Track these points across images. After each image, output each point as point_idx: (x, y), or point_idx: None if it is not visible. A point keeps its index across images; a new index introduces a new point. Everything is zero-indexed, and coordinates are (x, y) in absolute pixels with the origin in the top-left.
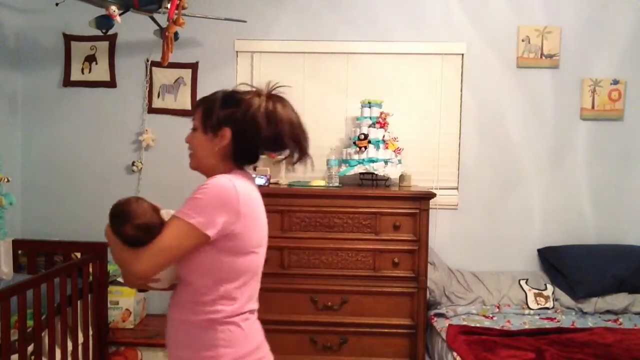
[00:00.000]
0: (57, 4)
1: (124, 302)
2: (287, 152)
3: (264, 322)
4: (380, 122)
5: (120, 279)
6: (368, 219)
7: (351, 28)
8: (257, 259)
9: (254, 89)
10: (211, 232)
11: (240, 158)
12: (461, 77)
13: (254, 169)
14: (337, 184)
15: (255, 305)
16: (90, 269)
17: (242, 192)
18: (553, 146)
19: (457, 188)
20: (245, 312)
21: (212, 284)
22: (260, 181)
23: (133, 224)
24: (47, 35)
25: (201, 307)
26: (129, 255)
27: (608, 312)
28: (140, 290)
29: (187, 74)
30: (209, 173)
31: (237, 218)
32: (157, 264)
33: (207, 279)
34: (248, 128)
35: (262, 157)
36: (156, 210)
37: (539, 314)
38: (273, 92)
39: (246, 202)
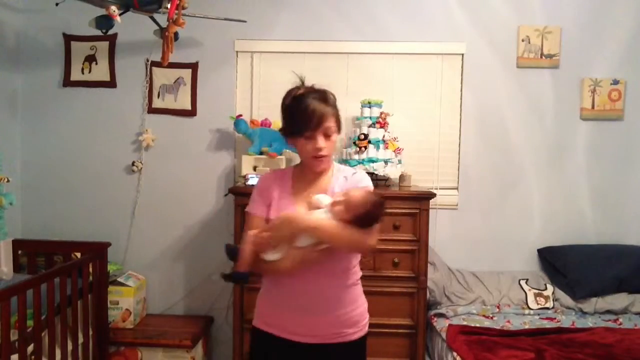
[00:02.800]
0: (57, 4)
1: (124, 302)
2: None
3: None
4: (380, 122)
5: (120, 279)
6: None
7: (351, 28)
8: None
9: (321, 88)
10: None
11: None
12: (461, 77)
13: (254, 168)
14: None
15: None
16: (90, 269)
17: None
18: (553, 146)
19: (457, 188)
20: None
21: (354, 256)
22: None
23: (383, 213)
24: (47, 35)
25: (349, 273)
26: (362, 235)
27: (608, 312)
28: (232, 280)
29: (187, 74)
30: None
31: None
32: (377, 238)
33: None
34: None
35: (263, 156)
36: None
37: (539, 314)
38: None
39: None
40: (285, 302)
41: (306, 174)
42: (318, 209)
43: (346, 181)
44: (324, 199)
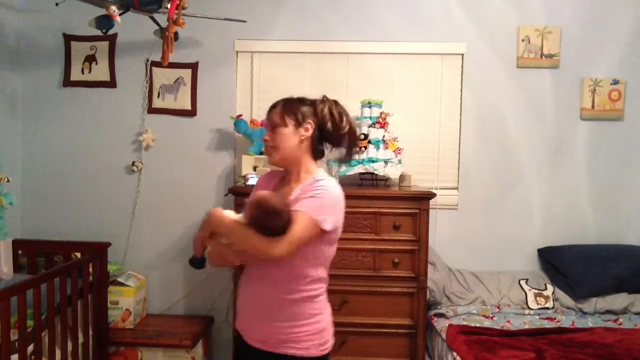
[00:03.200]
0: (57, 4)
1: (124, 302)
2: (337, 150)
3: None
4: (380, 122)
5: (120, 279)
6: (368, 219)
7: (351, 28)
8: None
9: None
10: (328, 227)
11: (319, 151)
12: (461, 77)
13: (254, 168)
14: None
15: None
16: (90, 269)
17: (342, 194)
18: (553, 146)
19: (457, 188)
20: (325, 288)
21: (312, 267)
22: None
23: (284, 219)
24: (47, 35)
25: (301, 287)
26: (265, 242)
27: (608, 312)
28: (196, 266)
29: (187, 74)
30: (292, 164)
31: (340, 216)
32: (291, 251)
33: (309, 264)
34: (327, 122)
35: (263, 156)
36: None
37: (539, 314)
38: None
39: (343, 202)
40: (243, 304)
41: (289, 176)
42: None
43: (304, 188)
44: (230, 214)
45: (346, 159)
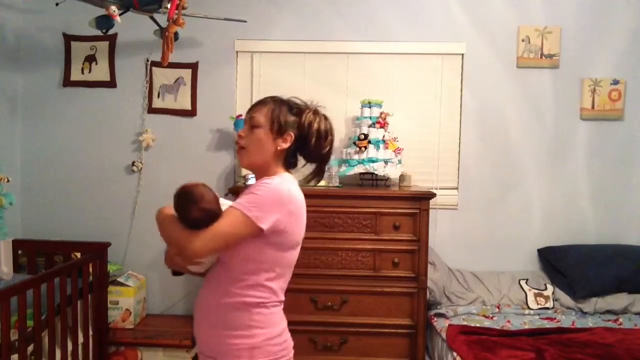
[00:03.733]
0: (57, 4)
1: (124, 302)
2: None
3: None
4: (380, 122)
5: (120, 279)
6: (368, 219)
7: (351, 28)
8: (294, 255)
9: (302, 103)
10: (264, 226)
11: (291, 162)
12: (461, 77)
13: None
14: (337, 184)
15: (283, 297)
16: (90, 269)
17: (294, 194)
18: (553, 146)
19: (457, 188)
20: (274, 301)
21: (252, 272)
22: None
23: (200, 206)
24: (47, 35)
25: (237, 291)
26: (185, 235)
27: (608, 312)
28: (174, 273)
29: (187, 74)
30: (260, 171)
31: (288, 217)
32: (211, 247)
33: (248, 267)
34: (311, 138)
35: None
36: (217, 199)
37: (539, 314)
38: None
39: (296, 203)
40: (194, 310)
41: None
42: None
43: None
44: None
45: (313, 178)
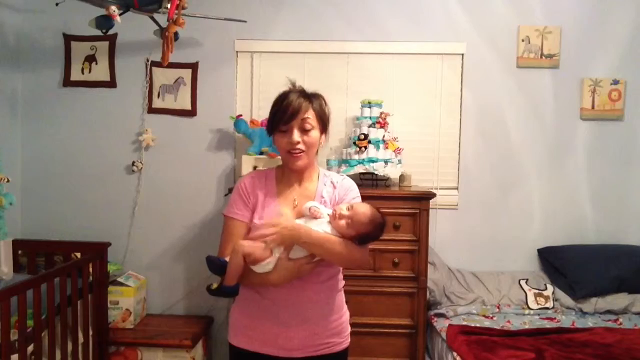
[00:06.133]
0: (57, 4)
1: (124, 302)
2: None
3: None
4: (380, 122)
5: (120, 279)
6: None
7: (351, 28)
8: None
9: (302, 88)
10: None
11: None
12: (461, 77)
13: (254, 168)
14: None
15: None
16: (90, 269)
17: None
18: (553, 146)
19: (457, 188)
20: None
21: None
22: None
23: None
24: (47, 35)
25: (338, 280)
26: (361, 251)
27: (608, 312)
28: (214, 293)
29: (187, 74)
30: (305, 168)
31: None
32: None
33: None
34: (327, 129)
35: (263, 156)
36: None
37: (539, 314)
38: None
39: None
40: (269, 313)
41: (289, 176)
42: (315, 219)
43: (334, 188)
44: (323, 209)
45: None
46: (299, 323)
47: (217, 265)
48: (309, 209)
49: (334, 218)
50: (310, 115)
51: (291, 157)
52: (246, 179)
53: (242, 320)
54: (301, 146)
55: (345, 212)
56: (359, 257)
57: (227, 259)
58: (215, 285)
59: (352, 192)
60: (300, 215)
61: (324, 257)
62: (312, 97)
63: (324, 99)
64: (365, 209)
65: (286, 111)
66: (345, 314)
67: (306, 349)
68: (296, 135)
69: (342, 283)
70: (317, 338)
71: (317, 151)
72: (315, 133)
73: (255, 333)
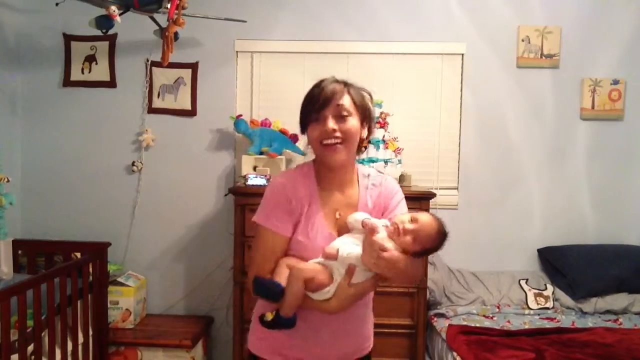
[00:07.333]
0: (57, 4)
1: (124, 302)
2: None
3: None
4: (380, 122)
5: (120, 279)
6: None
7: (351, 28)
8: None
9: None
10: None
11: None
12: (461, 77)
13: (254, 168)
14: None
15: None
16: (90, 269)
17: None
18: (553, 146)
19: (457, 188)
20: None
21: None
22: (261, 181)
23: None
24: (47, 35)
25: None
26: (421, 266)
27: (608, 312)
28: (271, 326)
29: (187, 74)
30: (344, 167)
31: None
32: None
33: None
34: (371, 124)
35: (263, 156)
36: None
37: (539, 314)
38: None
39: None
40: (314, 331)
41: (328, 179)
42: (377, 234)
43: (378, 191)
44: (379, 222)
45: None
46: (338, 339)
47: (271, 291)
48: (362, 222)
49: (398, 234)
50: (347, 102)
51: (326, 150)
52: (287, 181)
53: (279, 339)
54: (338, 134)
55: (410, 227)
56: (419, 274)
57: (280, 282)
58: (270, 316)
59: (398, 194)
60: (343, 229)
61: (399, 278)
62: (349, 84)
63: (369, 92)
64: (431, 221)
65: (318, 98)
66: (372, 319)
67: (357, 352)
68: (331, 123)
69: (370, 296)
70: (353, 346)
71: (359, 147)
72: (353, 121)
73: (292, 352)
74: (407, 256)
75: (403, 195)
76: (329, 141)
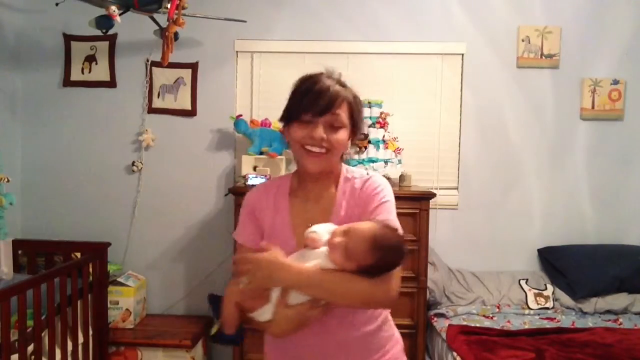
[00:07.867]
0: (57, 4)
1: (124, 302)
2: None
3: None
4: (380, 122)
5: (120, 279)
6: None
7: (351, 28)
8: None
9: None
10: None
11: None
12: (461, 77)
13: (254, 168)
14: None
15: None
16: (90, 269)
17: None
18: (553, 146)
19: (457, 188)
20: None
21: None
22: (261, 181)
23: (403, 255)
24: (47, 35)
25: (374, 315)
26: (380, 282)
27: (608, 312)
28: (222, 341)
29: (187, 74)
30: (325, 175)
31: None
32: (400, 278)
33: None
34: (355, 137)
35: (263, 156)
36: None
37: (539, 314)
38: None
39: None
40: (303, 354)
41: (305, 187)
42: (315, 249)
43: (355, 195)
44: (324, 234)
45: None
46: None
47: (215, 306)
48: (307, 235)
49: (331, 250)
50: (343, 114)
51: (307, 155)
52: (253, 193)
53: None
54: (324, 144)
55: (337, 240)
56: (369, 294)
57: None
58: (214, 330)
59: (378, 196)
60: (305, 246)
61: (329, 300)
62: (348, 89)
63: (358, 97)
64: (362, 230)
65: (317, 99)
66: (393, 349)
67: None
68: (321, 131)
69: (385, 312)
70: None
71: (342, 157)
72: (344, 134)
73: None
74: (354, 275)
75: (389, 197)
76: (314, 149)
